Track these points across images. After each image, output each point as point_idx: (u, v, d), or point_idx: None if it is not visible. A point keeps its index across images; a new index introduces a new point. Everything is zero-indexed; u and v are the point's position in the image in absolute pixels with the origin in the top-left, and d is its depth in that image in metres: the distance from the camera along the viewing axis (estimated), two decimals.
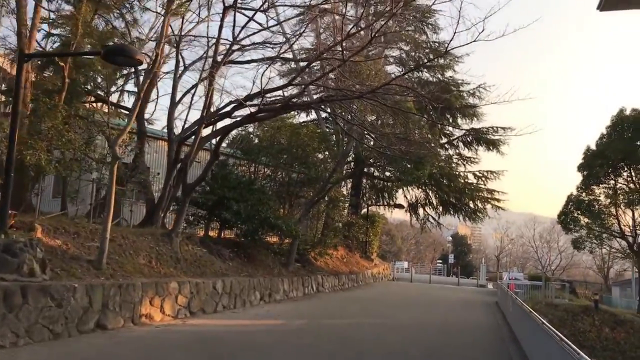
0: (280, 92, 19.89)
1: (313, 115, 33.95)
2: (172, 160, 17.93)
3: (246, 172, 24.22)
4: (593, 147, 28.40)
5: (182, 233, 18.58)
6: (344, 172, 34.78)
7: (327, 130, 30.19)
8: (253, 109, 16.56)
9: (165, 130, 20.09)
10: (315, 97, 23.56)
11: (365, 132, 22.94)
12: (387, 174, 35.66)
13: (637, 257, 28.98)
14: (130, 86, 22.59)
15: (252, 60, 20.03)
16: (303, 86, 18.57)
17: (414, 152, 21.10)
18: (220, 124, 19.32)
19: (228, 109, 18.48)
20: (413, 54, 32.59)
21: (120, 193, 18.32)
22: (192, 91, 20.38)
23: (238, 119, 18.58)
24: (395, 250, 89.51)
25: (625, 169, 27.64)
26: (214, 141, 19.11)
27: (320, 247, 26.10)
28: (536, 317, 9.71)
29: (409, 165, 24.01)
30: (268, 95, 18.35)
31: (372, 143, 26.46)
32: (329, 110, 20.19)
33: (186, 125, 19.93)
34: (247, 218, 19.72)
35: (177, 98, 19.75)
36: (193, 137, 18.61)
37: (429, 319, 16.87)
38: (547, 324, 9.02)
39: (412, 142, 21.08)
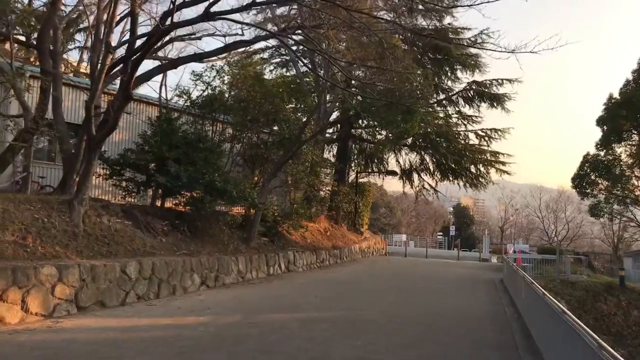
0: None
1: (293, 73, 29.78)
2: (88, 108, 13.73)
3: (204, 131, 20.00)
4: (616, 95, 24.04)
5: (97, 201, 14.59)
6: (327, 134, 30.60)
7: (306, 83, 25.67)
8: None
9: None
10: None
11: (343, 75, 18.57)
12: (378, 136, 31.43)
13: None
14: None
15: None
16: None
17: (402, 100, 16.80)
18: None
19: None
20: None
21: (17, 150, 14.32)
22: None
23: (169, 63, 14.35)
24: (395, 223, 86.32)
25: None
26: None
27: (293, 219, 22.01)
28: (573, 322, 5.64)
29: (397, 118, 19.61)
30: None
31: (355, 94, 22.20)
32: (295, 38, 15.60)
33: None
34: (189, 183, 15.64)
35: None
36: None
37: (412, 310, 12.78)
38: (590, 332, 5.02)
39: (399, 88, 16.83)
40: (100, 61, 13.20)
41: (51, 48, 14.80)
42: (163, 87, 22.79)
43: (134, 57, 12.25)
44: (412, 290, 16.70)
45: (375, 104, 18.87)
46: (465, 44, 28.30)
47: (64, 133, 15.09)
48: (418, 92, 18.89)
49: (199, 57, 15.86)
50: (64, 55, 25.28)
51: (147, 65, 35.99)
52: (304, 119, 21.47)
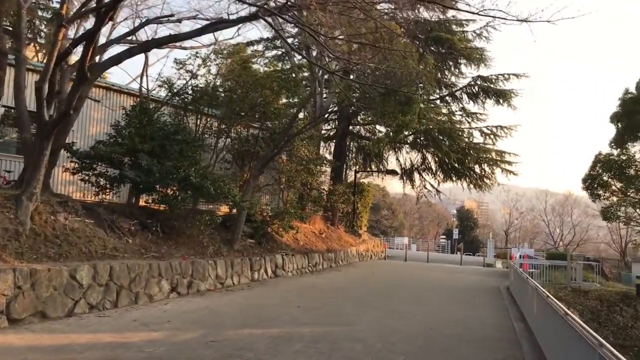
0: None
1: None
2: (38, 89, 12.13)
3: (183, 123, 18.42)
4: (632, 89, 22.33)
5: (56, 196, 13.01)
6: (323, 130, 29.02)
7: (302, 78, 23.96)
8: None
9: None
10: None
11: (337, 63, 16.95)
12: (378, 134, 29.82)
13: None
14: None
15: None
16: None
17: (399, 87, 15.17)
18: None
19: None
20: None
21: None
22: None
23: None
24: (397, 225, 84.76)
25: None
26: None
27: (284, 219, 20.35)
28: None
29: (395, 109, 17.93)
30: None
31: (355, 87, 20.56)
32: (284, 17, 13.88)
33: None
34: (161, 178, 14.07)
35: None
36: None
37: (407, 325, 11.11)
38: None
39: (395, 73, 15.21)
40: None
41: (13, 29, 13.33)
42: (145, 77, 21.20)
43: (89, 30, 10.64)
44: (408, 300, 15.04)
45: (370, 93, 17.27)
46: (471, 11, 26.65)
47: (26, 121, 13.52)
48: (417, 80, 17.29)
49: (174, 39, 14.26)
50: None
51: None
52: (297, 111, 19.84)
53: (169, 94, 19.19)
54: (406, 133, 26.93)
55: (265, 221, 20.07)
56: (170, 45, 19.72)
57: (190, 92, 19.00)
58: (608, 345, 4.42)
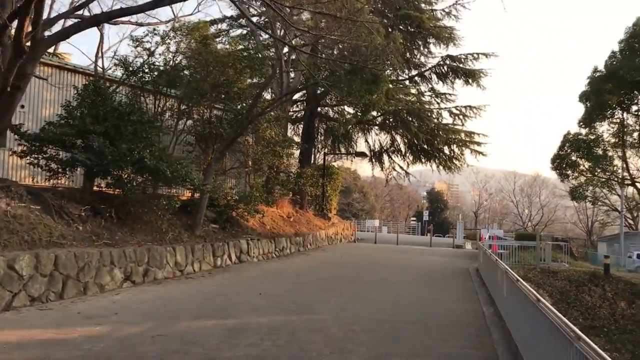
0: None
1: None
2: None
3: (139, 103, 17.49)
4: (602, 68, 22.10)
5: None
6: (291, 112, 28.31)
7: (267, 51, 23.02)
8: None
9: None
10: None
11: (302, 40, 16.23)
12: (348, 117, 29.20)
13: None
14: None
15: None
16: None
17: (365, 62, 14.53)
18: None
19: None
20: None
21: None
22: None
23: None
24: (369, 208, 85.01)
25: None
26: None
27: (250, 203, 19.65)
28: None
29: (362, 88, 17.28)
30: None
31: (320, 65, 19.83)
32: None
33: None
34: (114, 160, 13.23)
35: None
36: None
37: (371, 310, 10.57)
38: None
39: (359, 48, 14.55)
40: None
41: None
42: (100, 56, 20.17)
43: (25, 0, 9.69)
44: (375, 284, 14.57)
45: (336, 70, 16.61)
46: None
47: None
48: (383, 57, 16.66)
49: (125, 12, 13.38)
50: None
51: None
52: (258, 92, 19.07)
53: (126, 73, 18.22)
54: (374, 114, 26.41)
55: (230, 205, 19.38)
56: (126, 22, 18.78)
57: (147, 70, 18.05)
58: (585, 338, 3.93)
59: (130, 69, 18.10)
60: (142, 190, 14.40)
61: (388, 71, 20.58)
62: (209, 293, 11.57)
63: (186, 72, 18.80)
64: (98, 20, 13.44)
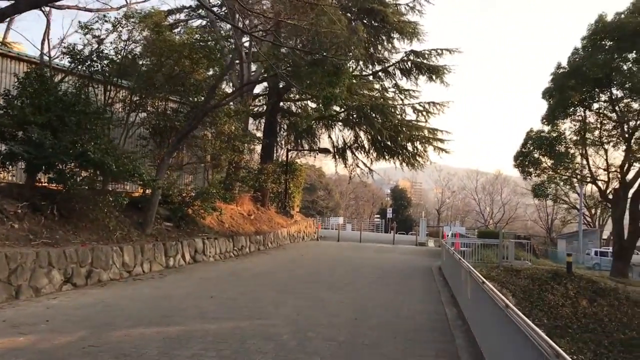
0: None
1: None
2: None
3: (86, 92, 16.45)
4: (565, 64, 22.01)
5: None
6: (252, 106, 27.50)
7: (227, 42, 22.13)
8: None
9: None
10: None
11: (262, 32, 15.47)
12: (309, 109, 28.54)
13: (614, 205, 23.19)
14: None
15: None
16: None
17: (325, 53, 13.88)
18: None
19: None
20: None
21: None
22: None
23: None
24: (333, 206, 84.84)
25: (605, 91, 21.41)
26: None
27: (206, 200, 18.83)
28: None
29: (322, 80, 16.62)
30: None
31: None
32: None
33: None
34: (55, 153, 12.27)
35: None
36: None
37: (328, 314, 9.92)
38: None
39: (324, 43, 13.91)
40: None
41: None
42: (46, 43, 18.96)
43: None
44: (335, 285, 13.96)
45: (297, 62, 15.92)
46: None
47: None
48: (345, 47, 16.08)
49: None
50: None
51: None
52: (214, 82, 18.25)
53: (73, 62, 17.15)
54: (337, 109, 25.82)
55: (185, 202, 18.55)
56: (73, 7, 17.64)
57: (96, 59, 17.02)
58: (565, 356, 3.38)
59: (79, 57, 17.07)
60: (89, 185, 13.44)
61: (351, 64, 20.10)
62: (156, 297, 10.75)
63: (140, 62, 17.82)
64: (38, 3, 12.41)
